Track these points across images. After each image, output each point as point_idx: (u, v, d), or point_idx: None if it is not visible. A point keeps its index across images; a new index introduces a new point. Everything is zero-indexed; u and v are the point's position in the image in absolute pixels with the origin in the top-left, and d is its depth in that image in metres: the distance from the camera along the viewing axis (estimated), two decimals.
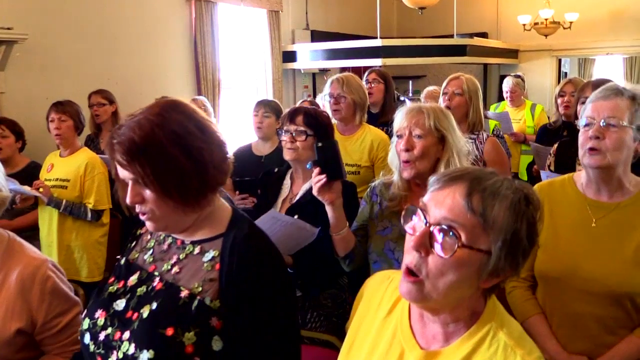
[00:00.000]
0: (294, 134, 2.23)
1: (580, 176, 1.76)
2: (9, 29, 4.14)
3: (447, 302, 1.03)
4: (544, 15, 7.35)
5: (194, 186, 1.20)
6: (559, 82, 8.78)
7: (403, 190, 1.93)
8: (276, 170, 2.43)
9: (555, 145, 2.79)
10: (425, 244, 1.01)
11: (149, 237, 1.39)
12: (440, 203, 1.01)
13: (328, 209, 1.84)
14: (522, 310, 1.76)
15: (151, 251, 1.35)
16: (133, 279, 1.30)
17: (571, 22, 7.42)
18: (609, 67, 13.98)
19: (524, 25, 7.60)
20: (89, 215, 3.34)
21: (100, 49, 4.93)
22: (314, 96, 6.81)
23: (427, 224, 1.01)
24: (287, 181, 2.35)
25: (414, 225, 1.05)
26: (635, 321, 1.63)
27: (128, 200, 1.21)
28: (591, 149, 1.62)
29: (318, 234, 1.98)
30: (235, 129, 6.14)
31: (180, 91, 5.57)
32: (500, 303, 1.11)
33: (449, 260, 0.98)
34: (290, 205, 2.25)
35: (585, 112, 1.69)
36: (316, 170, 1.79)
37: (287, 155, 2.25)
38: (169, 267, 1.28)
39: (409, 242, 1.04)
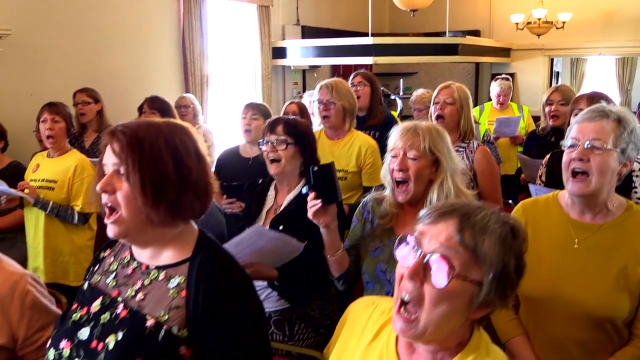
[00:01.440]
0: (274, 144, 2.26)
1: (565, 195, 1.80)
2: None
3: (439, 333, 1.08)
4: (537, 14, 7.41)
5: (170, 194, 1.22)
6: (551, 81, 8.87)
7: (395, 208, 1.95)
8: (260, 181, 2.46)
9: (547, 156, 2.83)
10: (420, 273, 1.05)
11: (112, 259, 1.38)
12: (434, 236, 1.07)
13: (323, 232, 1.87)
14: (505, 330, 1.81)
15: (114, 274, 1.33)
16: (96, 305, 1.29)
17: (564, 22, 7.48)
18: (601, 67, 14.12)
19: (517, 24, 7.66)
20: (76, 217, 3.31)
21: (86, 44, 4.90)
22: (304, 92, 6.83)
23: (422, 254, 1.06)
24: (271, 192, 2.39)
25: (406, 254, 1.09)
26: (616, 344, 1.68)
27: (99, 187, 1.23)
28: (574, 174, 1.66)
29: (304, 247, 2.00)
30: (223, 126, 6.15)
31: (167, 87, 5.55)
32: (485, 332, 1.16)
33: (443, 291, 1.03)
34: (275, 215, 2.28)
35: (571, 133, 1.73)
36: (311, 194, 1.80)
37: (272, 170, 2.29)
38: (133, 293, 1.26)
39: (402, 270, 1.09)
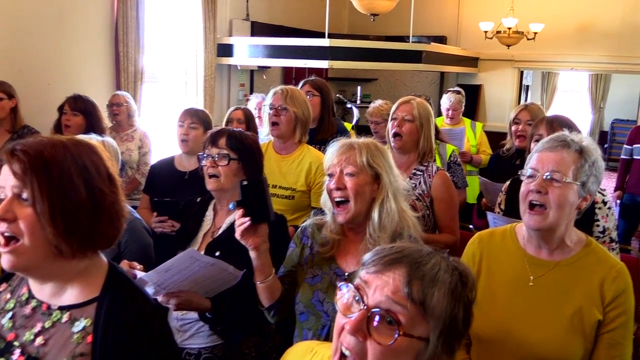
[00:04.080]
0: (215, 158, 2.28)
1: (523, 228, 1.89)
2: None
3: None
4: (507, 23, 7.66)
5: (82, 224, 1.21)
6: (520, 95, 9.19)
7: (336, 234, 2.00)
8: (198, 199, 2.46)
9: (507, 183, 2.94)
10: (363, 328, 1.07)
11: (8, 296, 1.34)
12: (379, 287, 1.08)
13: (252, 254, 1.88)
14: None
15: (10, 314, 1.29)
16: None
17: (535, 33, 7.77)
18: (574, 83, 14.74)
19: (486, 32, 7.89)
20: None
21: (4, 30, 4.79)
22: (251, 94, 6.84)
23: (366, 307, 1.08)
24: (209, 212, 2.39)
25: (347, 304, 1.11)
26: None
27: None
28: (532, 207, 1.75)
29: (242, 276, 2.02)
30: (160, 129, 6.10)
31: (96, 82, 5.48)
32: None
33: (387, 349, 1.05)
34: (212, 239, 2.29)
35: (530, 163, 1.82)
36: (239, 211, 1.82)
37: (209, 185, 2.29)
38: (32, 336, 1.23)
39: (342, 321, 1.10)
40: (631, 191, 5.89)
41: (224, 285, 2.03)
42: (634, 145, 5.87)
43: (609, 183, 6.98)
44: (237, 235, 1.85)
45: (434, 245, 2.76)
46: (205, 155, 2.32)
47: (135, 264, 2.00)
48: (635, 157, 5.86)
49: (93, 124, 3.86)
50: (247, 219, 1.81)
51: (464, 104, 5.50)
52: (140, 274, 1.89)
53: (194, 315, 2.20)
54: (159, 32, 6.35)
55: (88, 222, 1.22)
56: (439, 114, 6.81)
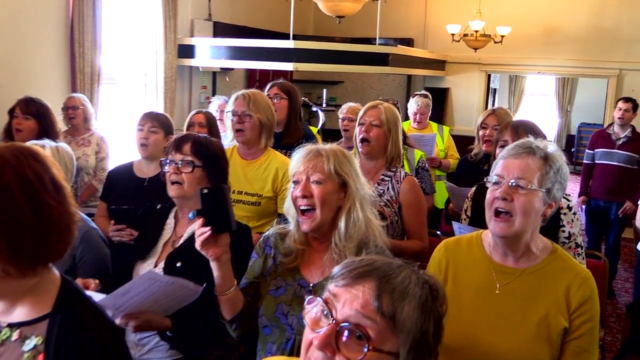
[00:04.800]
0: (179, 165, 2.26)
1: (489, 235, 1.93)
2: None
3: None
4: (474, 26, 7.79)
5: (28, 246, 1.17)
6: (487, 98, 9.35)
7: (300, 244, 2.00)
8: (159, 206, 2.43)
9: (473, 189, 2.99)
10: (332, 343, 1.06)
11: None
12: (348, 301, 1.08)
13: (213, 265, 1.87)
14: None
15: None
16: None
17: (503, 36, 7.91)
18: (541, 86, 15.06)
19: (453, 35, 8.01)
20: None
21: None
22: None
23: (335, 322, 1.08)
24: (170, 221, 2.37)
25: (315, 318, 1.11)
26: None
27: None
28: (497, 214, 1.79)
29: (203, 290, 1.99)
30: (117, 132, 6.01)
31: (50, 84, 5.39)
32: None
33: None
34: (172, 250, 2.27)
35: (495, 169, 1.86)
36: (199, 221, 1.81)
37: (171, 192, 2.27)
38: None
39: (310, 336, 1.09)
40: (595, 196, 6.06)
41: (184, 301, 1.99)
42: (596, 150, 6.04)
43: (575, 187, 7.15)
44: (197, 245, 1.83)
45: (401, 251, 2.79)
46: (168, 161, 2.29)
47: (90, 281, 1.96)
48: (597, 161, 6.01)
49: (46, 128, 3.79)
50: (207, 228, 1.80)
51: (431, 107, 5.56)
52: (96, 296, 1.81)
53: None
54: (117, 32, 6.27)
55: (35, 240, 1.18)
56: (406, 117, 6.87)
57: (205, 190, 1.81)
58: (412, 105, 5.53)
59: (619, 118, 5.87)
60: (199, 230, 1.82)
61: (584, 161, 6.22)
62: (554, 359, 1.80)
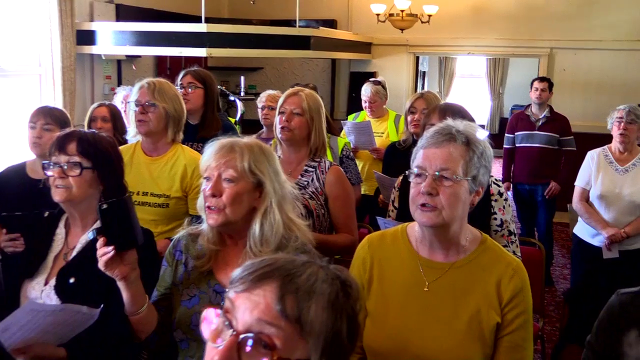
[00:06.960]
0: (65, 168, 2.12)
1: (415, 228, 1.93)
2: None
3: None
4: (400, 5, 7.84)
5: None
6: (416, 81, 9.49)
7: (214, 244, 1.96)
8: (46, 214, 2.29)
9: (400, 178, 3.01)
10: (234, 357, 1.02)
11: None
12: (249, 308, 1.04)
13: (121, 285, 1.80)
14: None
15: None
16: None
17: (430, 16, 8.01)
18: (472, 68, 15.45)
19: (378, 15, 8.06)
20: None
21: None
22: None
23: (235, 333, 1.03)
24: (60, 230, 2.23)
25: (218, 329, 1.06)
26: None
27: None
28: (423, 205, 1.79)
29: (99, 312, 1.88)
30: (7, 130, 5.80)
31: None
32: None
33: None
34: (65, 263, 2.15)
35: (416, 161, 1.85)
36: (101, 240, 1.74)
37: (57, 196, 2.13)
38: None
39: (212, 353, 1.04)
40: (519, 180, 6.27)
41: (79, 327, 1.88)
42: (516, 133, 6.23)
43: (498, 174, 7.38)
44: (101, 266, 1.76)
45: (329, 247, 2.79)
46: (51, 164, 2.13)
47: None
48: (518, 145, 6.20)
49: None
50: (110, 247, 1.73)
51: (384, 94, 5.54)
52: None
53: None
54: (6, 18, 5.99)
55: None
56: (331, 104, 6.95)
57: (105, 206, 1.74)
58: (363, 92, 5.49)
59: (536, 98, 6.08)
60: (101, 251, 1.74)
61: (505, 146, 6.36)
62: (488, 356, 1.82)
